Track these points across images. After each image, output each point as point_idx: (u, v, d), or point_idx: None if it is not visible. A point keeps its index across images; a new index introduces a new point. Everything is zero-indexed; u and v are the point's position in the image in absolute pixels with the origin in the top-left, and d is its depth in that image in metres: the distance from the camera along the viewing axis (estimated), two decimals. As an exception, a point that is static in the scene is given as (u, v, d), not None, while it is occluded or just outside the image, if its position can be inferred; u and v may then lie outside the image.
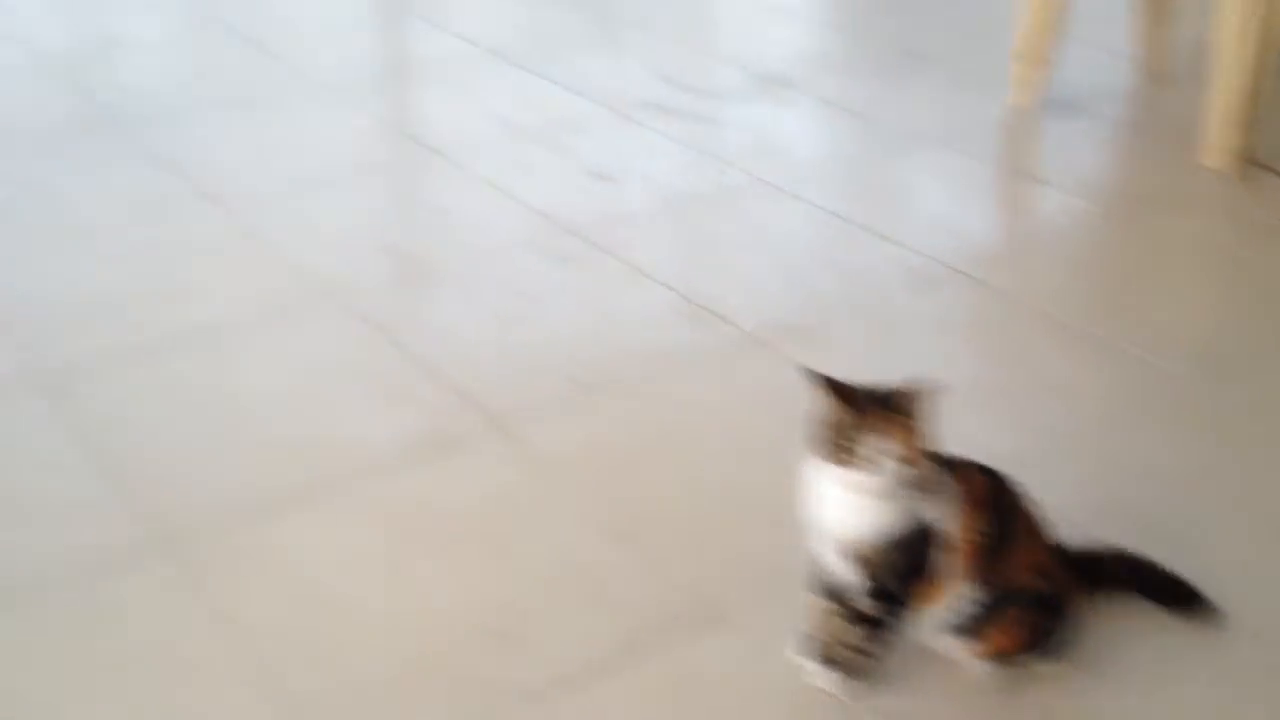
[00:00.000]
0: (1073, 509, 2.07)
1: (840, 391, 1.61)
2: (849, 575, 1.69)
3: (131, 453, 2.20)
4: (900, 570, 1.67)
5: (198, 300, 2.66)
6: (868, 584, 1.68)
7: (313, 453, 2.22)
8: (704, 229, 3.12)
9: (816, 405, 1.63)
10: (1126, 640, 1.84)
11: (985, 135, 3.75)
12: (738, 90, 3.98)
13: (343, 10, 4.62)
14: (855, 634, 1.72)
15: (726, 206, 3.24)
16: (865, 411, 1.59)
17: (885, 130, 3.76)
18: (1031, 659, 1.75)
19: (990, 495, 1.72)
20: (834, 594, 1.74)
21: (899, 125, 3.79)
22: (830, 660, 1.76)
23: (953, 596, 1.70)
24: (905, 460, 1.58)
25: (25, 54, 3.86)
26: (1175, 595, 1.87)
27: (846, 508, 1.64)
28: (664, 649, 1.85)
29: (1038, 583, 1.73)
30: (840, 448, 1.59)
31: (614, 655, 1.83)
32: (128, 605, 1.87)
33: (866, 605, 1.70)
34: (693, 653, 1.85)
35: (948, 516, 1.67)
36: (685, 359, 2.56)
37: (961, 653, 1.75)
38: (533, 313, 2.71)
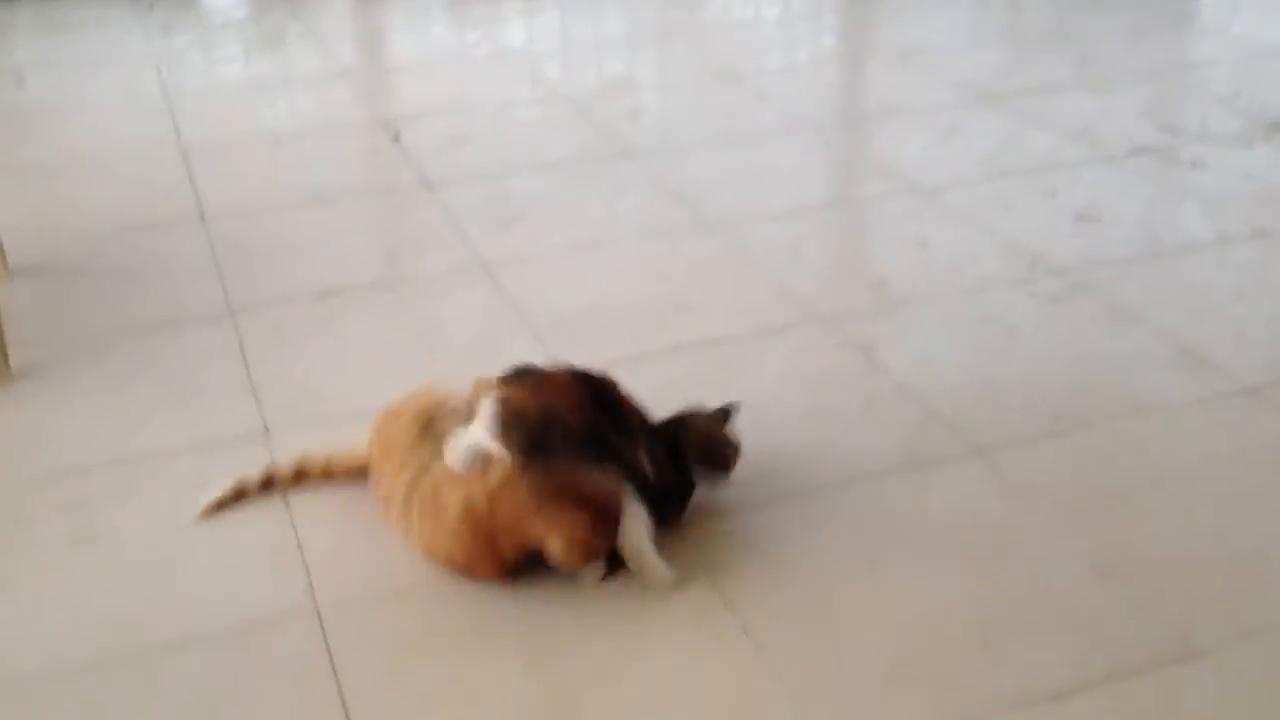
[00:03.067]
0: None
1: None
2: None
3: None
4: None
5: (698, 316, 2.90)
6: None
7: (802, 461, 2.39)
8: (1196, 276, 3.04)
9: None
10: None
11: None
12: (1235, 135, 3.82)
13: (819, 50, 4.84)
14: None
15: (1221, 254, 3.13)
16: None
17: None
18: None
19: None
20: None
21: None
22: None
23: None
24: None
25: (550, 95, 4.34)
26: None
27: None
28: (1144, 680, 1.86)
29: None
30: None
31: (1095, 678, 1.86)
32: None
33: None
34: (1173, 688, 1.85)
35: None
36: (1174, 403, 2.52)
37: None
38: (1014, 347, 2.75)
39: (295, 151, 3.89)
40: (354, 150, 3.93)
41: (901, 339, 2.78)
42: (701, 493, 2.23)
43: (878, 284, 3.02)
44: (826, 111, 4.31)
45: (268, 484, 2.27)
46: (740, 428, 2.35)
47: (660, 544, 2.10)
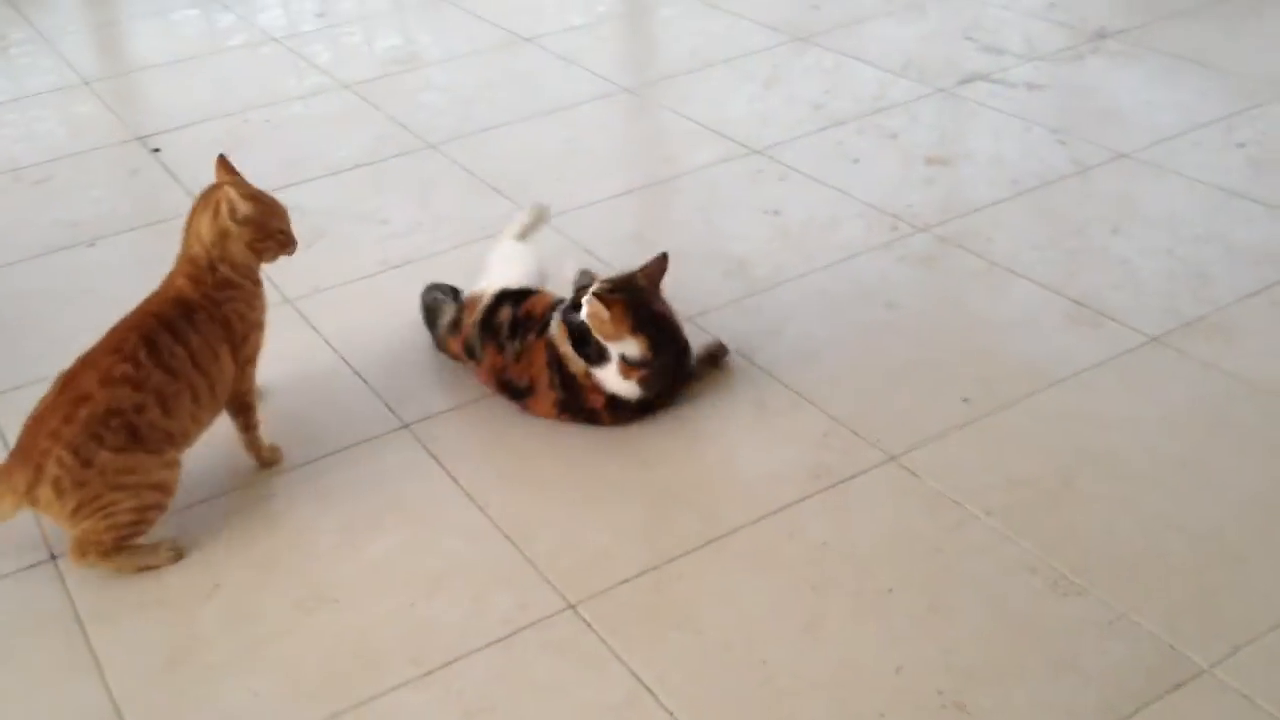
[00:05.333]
0: None
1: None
2: None
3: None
4: None
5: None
6: None
7: (707, 497, 2.09)
8: (1065, 213, 2.84)
9: None
10: None
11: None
12: (1062, 49, 3.66)
13: (605, 2, 4.50)
14: None
15: (1084, 185, 2.95)
16: None
17: (1240, 82, 3.38)
18: None
19: None
20: None
21: (1254, 74, 3.41)
22: None
23: None
24: None
25: (328, 83, 3.87)
26: None
27: None
28: (1145, 716, 1.64)
29: None
30: None
31: (1093, 729, 1.63)
32: (536, 659, 1.77)
33: None
34: (1177, 718, 1.63)
35: None
36: (1082, 368, 2.31)
37: None
38: (898, 323, 2.50)
39: (40, 184, 3.34)
40: (110, 175, 3.40)
41: (777, 332, 2.49)
42: (600, 546, 1.92)
43: (736, 268, 2.72)
44: (634, 69, 3.97)
45: None
46: (619, 461, 2.06)
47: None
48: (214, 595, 1.94)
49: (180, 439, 2.01)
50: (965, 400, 2.24)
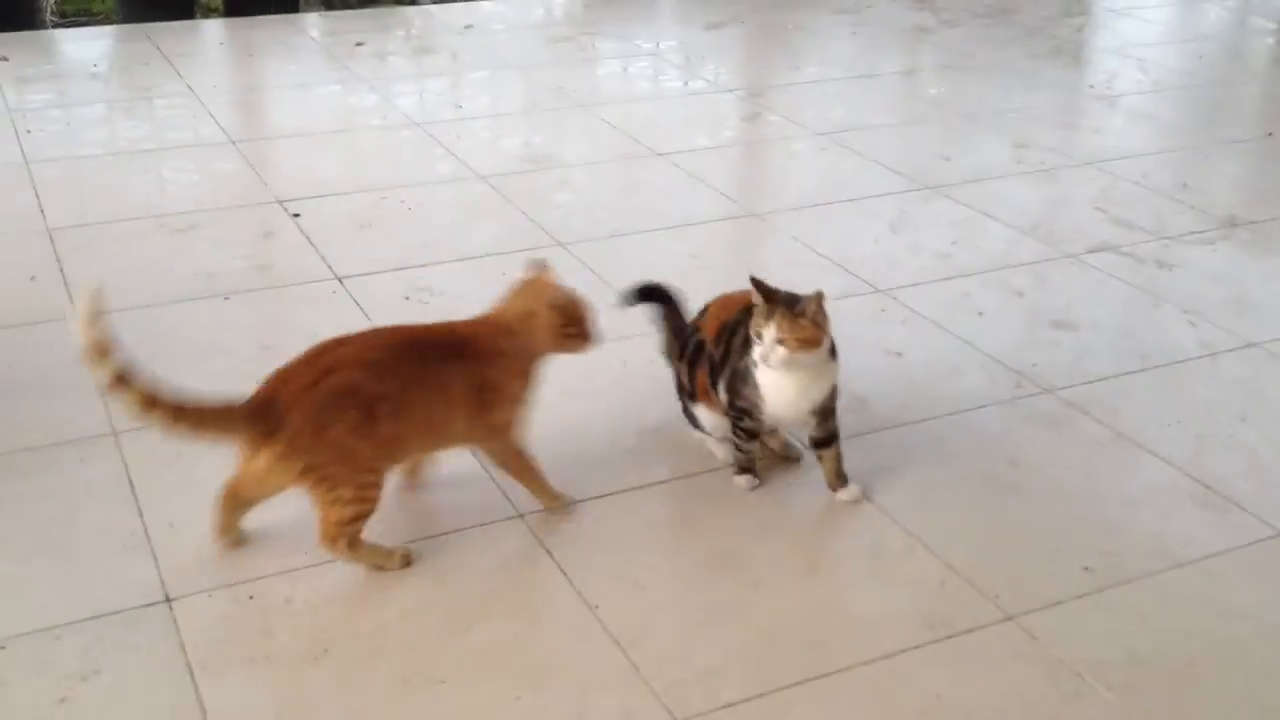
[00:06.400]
0: None
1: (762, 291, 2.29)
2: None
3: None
4: None
5: (666, 445, 2.57)
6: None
7: (813, 632, 2.06)
8: (1192, 394, 2.82)
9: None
10: None
11: None
12: (1193, 232, 3.67)
13: (739, 126, 4.58)
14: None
15: (1212, 368, 2.93)
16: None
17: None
18: None
19: None
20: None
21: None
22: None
23: None
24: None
25: (462, 172, 3.97)
26: None
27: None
28: None
29: None
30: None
31: None
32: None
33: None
34: None
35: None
36: (1208, 553, 2.27)
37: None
38: (1022, 482, 2.48)
39: (182, 233, 3.44)
40: (249, 233, 3.49)
41: (897, 474, 2.47)
42: (708, 664, 1.89)
43: (859, 405, 2.71)
44: (760, 196, 4.03)
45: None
46: (732, 578, 2.04)
47: None
48: (322, 660, 1.94)
49: (396, 447, 2.10)
50: (1086, 569, 2.21)
